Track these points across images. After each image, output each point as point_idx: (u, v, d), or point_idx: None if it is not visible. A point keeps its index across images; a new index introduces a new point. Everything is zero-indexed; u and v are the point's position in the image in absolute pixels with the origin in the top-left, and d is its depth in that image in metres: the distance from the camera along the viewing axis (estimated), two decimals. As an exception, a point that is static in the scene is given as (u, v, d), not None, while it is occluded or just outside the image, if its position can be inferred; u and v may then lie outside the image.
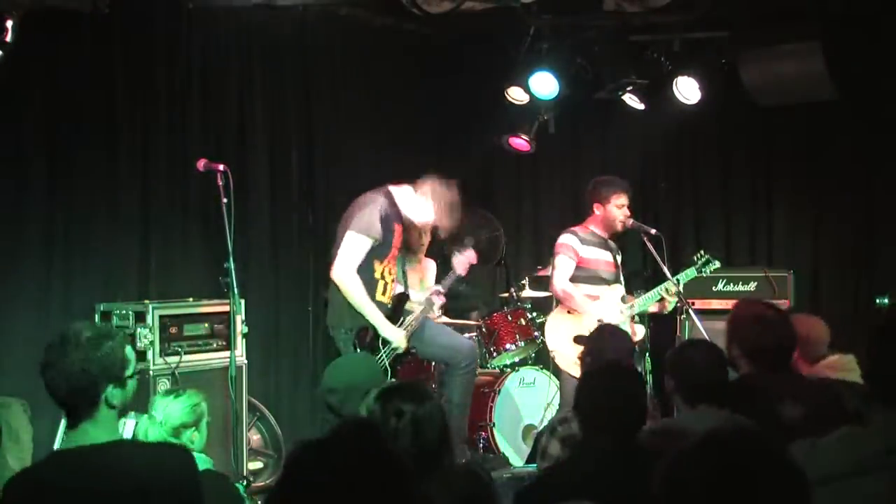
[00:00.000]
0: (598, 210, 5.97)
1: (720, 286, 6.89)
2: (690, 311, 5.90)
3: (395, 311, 5.47)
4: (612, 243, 6.05)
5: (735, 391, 3.55)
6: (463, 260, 5.81)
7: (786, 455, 1.69)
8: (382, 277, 5.41)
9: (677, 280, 5.87)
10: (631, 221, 5.99)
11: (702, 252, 6.11)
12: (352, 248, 5.30)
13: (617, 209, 5.93)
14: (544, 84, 6.68)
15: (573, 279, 5.90)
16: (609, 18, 6.20)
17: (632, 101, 7.01)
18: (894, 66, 6.56)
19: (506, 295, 6.91)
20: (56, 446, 5.22)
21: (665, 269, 5.87)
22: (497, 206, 7.93)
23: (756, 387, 3.53)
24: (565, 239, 5.95)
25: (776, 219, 7.54)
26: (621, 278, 6.06)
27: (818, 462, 2.75)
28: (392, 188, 5.51)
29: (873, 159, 7.16)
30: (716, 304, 6.82)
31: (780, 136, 7.41)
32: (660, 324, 6.27)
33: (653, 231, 6.00)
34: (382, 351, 5.32)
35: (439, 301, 5.78)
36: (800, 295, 6.80)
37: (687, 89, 6.78)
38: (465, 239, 6.05)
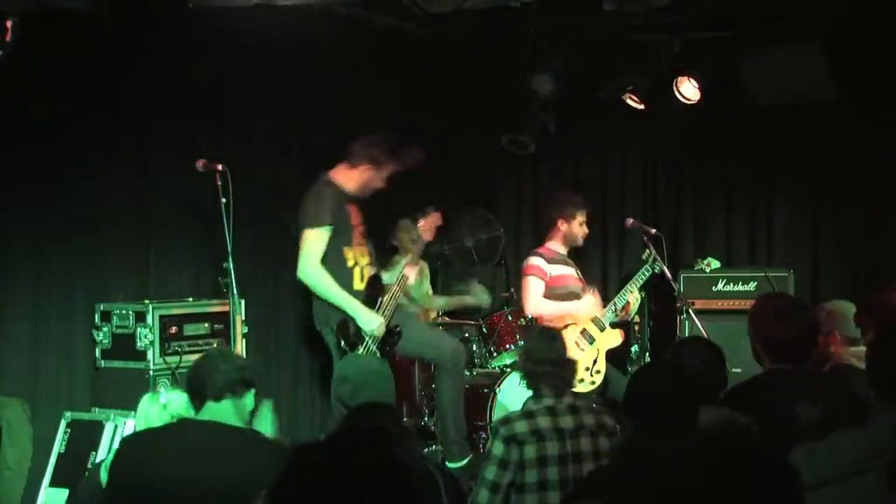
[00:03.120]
0: (562, 226, 6.11)
1: (720, 286, 6.89)
2: (690, 311, 5.92)
3: (370, 295, 5.34)
4: (569, 259, 6.19)
5: (749, 391, 3.55)
6: (427, 225, 5.72)
7: (777, 451, 1.69)
8: (357, 263, 5.34)
9: (639, 279, 5.99)
10: (629, 225, 6.09)
11: (648, 251, 6.18)
12: (310, 244, 5.22)
13: (579, 226, 6.09)
14: (545, 84, 6.68)
15: (548, 298, 6.01)
16: (609, 18, 6.20)
17: (632, 101, 7.01)
18: (894, 66, 6.56)
19: (506, 295, 6.91)
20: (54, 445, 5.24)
21: (665, 269, 5.89)
22: (497, 206, 7.93)
23: (772, 385, 3.52)
24: (533, 261, 6.12)
25: (776, 219, 7.55)
26: (588, 288, 6.16)
27: (813, 467, 2.75)
28: (330, 173, 5.42)
29: (873, 159, 7.17)
30: (716, 304, 6.83)
31: (780, 136, 7.41)
32: (660, 324, 6.28)
33: (653, 231, 6.03)
34: (367, 339, 5.24)
35: (413, 271, 5.70)
36: (800, 295, 6.80)
37: (687, 89, 6.78)
38: (427, 207, 6.04)
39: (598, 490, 2.98)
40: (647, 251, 6.21)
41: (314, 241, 5.20)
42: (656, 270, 6.16)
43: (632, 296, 6.03)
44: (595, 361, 5.89)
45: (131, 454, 3.03)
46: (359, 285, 5.32)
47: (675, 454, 1.67)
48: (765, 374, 3.64)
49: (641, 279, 6.11)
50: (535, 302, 6.04)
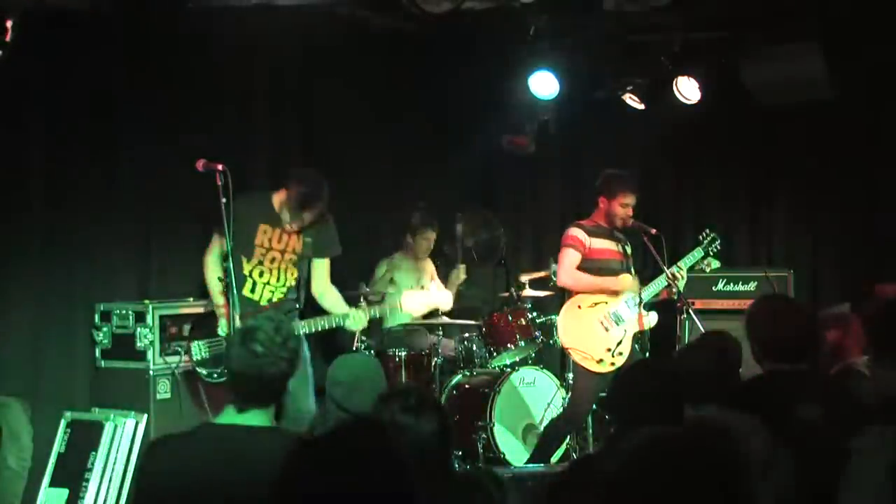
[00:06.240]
0: (602, 204, 5.96)
1: (720, 286, 6.89)
2: (690, 311, 5.89)
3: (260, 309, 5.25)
4: (619, 234, 6.03)
5: (749, 390, 3.55)
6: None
7: (723, 453, 1.71)
8: (251, 276, 5.32)
9: (687, 261, 5.91)
10: (631, 221, 5.98)
11: (707, 231, 6.12)
12: (211, 241, 5.33)
13: (620, 207, 5.91)
14: (544, 84, 6.68)
15: (584, 272, 5.89)
16: (609, 18, 6.20)
17: (632, 101, 7.00)
18: (894, 66, 6.57)
19: (506, 295, 6.91)
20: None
21: (665, 269, 5.87)
22: (497, 206, 7.93)
23: (773, 386, 3.53)
24: (572, 232, 5.94)
25: (776, 219, 7.55)
26: (631, 268, 6.05)
27: (888, 439, 2.73)
28: (274, 193, 5.37)
29: (873, 159, 7.16)
30: (716, 304, 6.82)
31: (780, 136, 7.41)
32: (660, 323, 6.26)
33: (653, 231, 6.00)
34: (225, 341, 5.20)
35: (358, 315, 5.33)
36: (800, 295, 6.80)
37: (687, 89, 6.78)
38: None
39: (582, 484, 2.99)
40: (706, 232, 6.13)
41: (212, 240, 5.36)
42: (711, 252, 6.08)
43: (678, 274, 5.90)
44: (620, 343, 5.76)
45: (161, 460, 2.82)
46: (248, 293, 5.30)
47: (625, 459, 1.69)
48: (765, 374, 3.64)
49: (691, 260, 5.98)
50: (567, 274, 5.91)
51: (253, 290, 5.35)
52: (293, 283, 5.42)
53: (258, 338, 2.79)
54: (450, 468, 3.07)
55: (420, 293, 5.56)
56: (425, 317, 6.73)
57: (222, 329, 5.23)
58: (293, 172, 5.34)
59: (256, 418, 2.81)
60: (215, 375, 5.23)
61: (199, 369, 5.28)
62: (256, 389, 2.80)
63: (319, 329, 5.31)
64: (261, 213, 5.32)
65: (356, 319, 5.30)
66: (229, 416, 2.83)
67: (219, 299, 5.23)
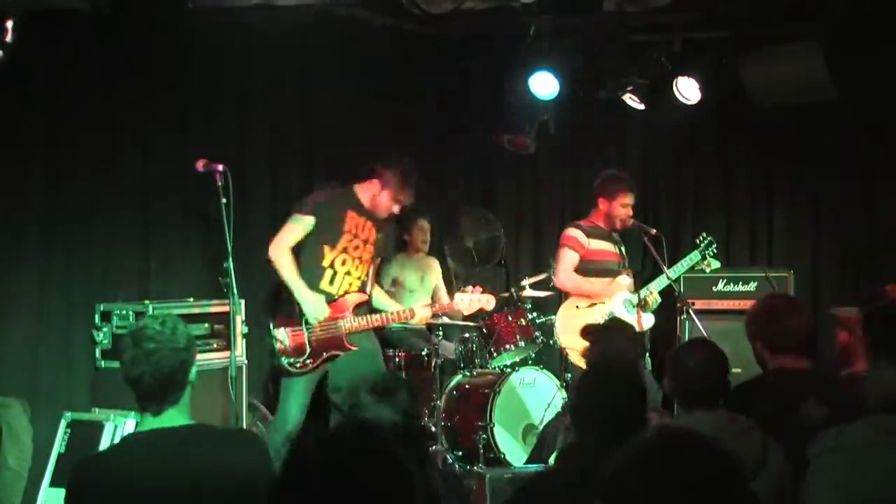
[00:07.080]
0: (602, 205, 5.97)
1: (720, 286, 6.89)
2: (691, 311, 5.90)
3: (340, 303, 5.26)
4: (615, 235, 6.06)
5: (752, 390, 3.55)
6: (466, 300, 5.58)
7: (724, 454, 1.71)
8: (332, 267, 5.25)
9: (683, 264, 5.91)
10: (631, 221, 5.99)
11: (703, 235, 6.14)
12: (286, 228, 5.24)
13: (621, 208, 5.93)
14: (544, 84, 6.68)
15: (582, 273, 5.90)
16: (609, 18, 6.20)
17: (632, 101, 7.00)
18: (894, 66, 6.57)
19: (506, 295, 6.91)
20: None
21: (665, 269, 5.87)
22: (497, 206, 7.93)
23: (776, 385, 3.53)
24: (571, 232, 5.97)
25: (776, 219, 7.55)
26: (627, 269, 6.07)
27: (842, 438, 2.74)
28: (356, 185, 5.38)
29: (873, 159, 7.17)
30: (716, 304, 6.82)
31: (780, 136, 7.41)
32: (660, 324, 6.27)
33: (653, 231, 6.01)
34: (304, 326, 5.17)
35: (423, 312, 5.47)
36: (800, 295, 6.80)
37: (687, 89, 6.78)
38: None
39: (543, 494, 2.98)
40: (702, 236, 6.15)
41: (289, 226, 5.27)
42: (709, 254, 6.08)
43: (649, 299, 5.88)
44: None
45: (92, 479, 2.76)
46: (327, 286, 5.25)
47: (624, 459, 1.69)
48: (769, 373, 3.64)
49: (688, 263, 6.01)
50: (564, 275, 5.94)
51: (332, 282, 5.28)
52: (365, 278, 5.39)
53: (146, 335, 2.76)
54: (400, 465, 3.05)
55: (472, 294, 5.58)
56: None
57: (305, 306, 5.15)
58: (386, 158, 5.35)
59: (175, 418, 2.79)
60: (298, 365, 5.18)
61: (283, 359, 5.18)
62: (161, 387, 2.75)
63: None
64: (349, 201, 5.33)
65: (420, 315, 5.44)
66: (148, 423, 2.80)
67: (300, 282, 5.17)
